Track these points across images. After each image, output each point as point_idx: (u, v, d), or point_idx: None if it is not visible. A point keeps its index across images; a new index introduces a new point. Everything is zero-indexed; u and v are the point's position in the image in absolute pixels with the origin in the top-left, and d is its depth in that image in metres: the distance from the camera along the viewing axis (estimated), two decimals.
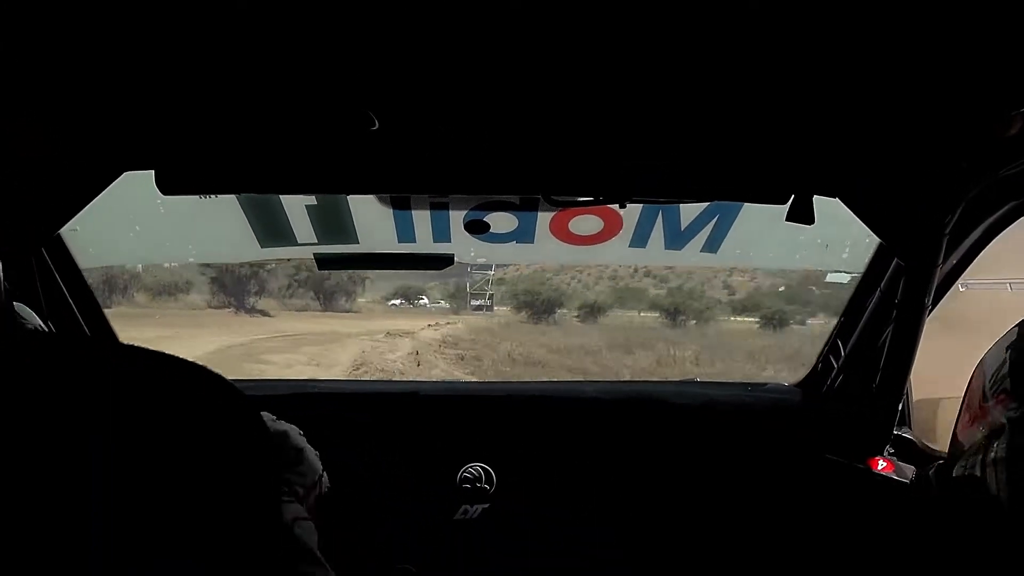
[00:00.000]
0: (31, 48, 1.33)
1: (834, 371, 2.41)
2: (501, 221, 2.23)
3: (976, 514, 1.29)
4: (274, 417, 1.52)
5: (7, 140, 1.66)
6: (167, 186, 1.86)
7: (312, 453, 1.54)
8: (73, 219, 1.95)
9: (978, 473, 1.27)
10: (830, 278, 2.48)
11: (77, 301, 2.18)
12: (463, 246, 2.32)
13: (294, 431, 1.55)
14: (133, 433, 0.71)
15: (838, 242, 2.31)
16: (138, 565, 0.69)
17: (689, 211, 2.24)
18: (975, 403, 1.28)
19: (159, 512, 0.71)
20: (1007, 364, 1.22)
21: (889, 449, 2.18)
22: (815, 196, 1.93)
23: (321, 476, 1.52)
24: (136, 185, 1.90)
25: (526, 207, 2.17)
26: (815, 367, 2.52)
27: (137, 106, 1.62)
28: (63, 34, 1.29)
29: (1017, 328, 1.25)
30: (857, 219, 1.96)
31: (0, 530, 0.66)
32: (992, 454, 1.23)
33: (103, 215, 2.02)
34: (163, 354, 0.79)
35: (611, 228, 2.29)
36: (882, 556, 1.79)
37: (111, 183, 1.89)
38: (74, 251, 2.15)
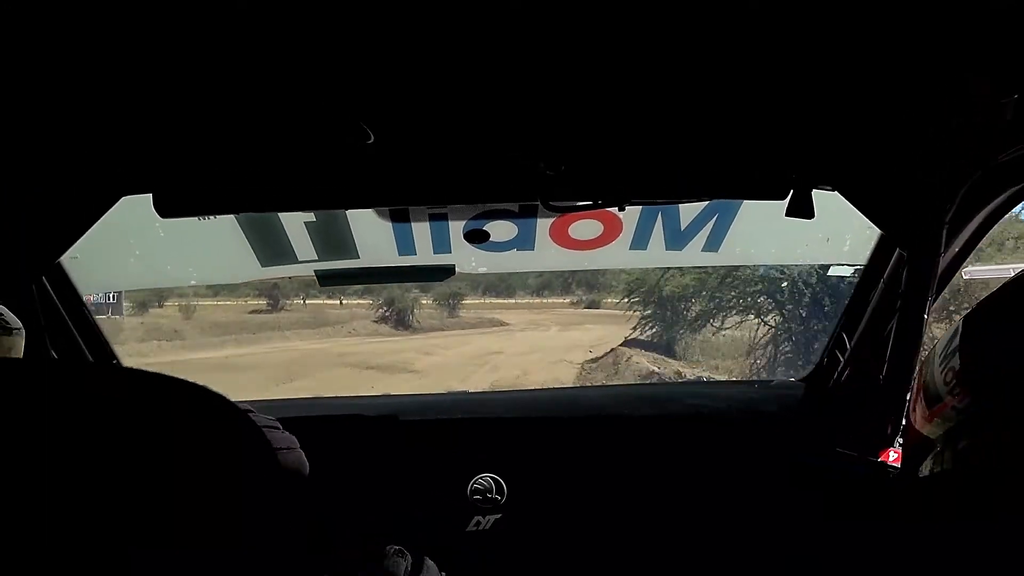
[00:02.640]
0: (25, 78, 1.33)
1: (840, 364, 2.40)
2: (501, 229, 2.23)
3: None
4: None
5: (5, 171, 1.67)
6: (165, 209, 1.86)
7: None
8: (72, 246, 1.96)
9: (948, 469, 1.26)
10: (832, 271, 2.47)
11: (79, 328, 2.18)
12: (464, 256, 2.32)
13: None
14: (104, 450, 0.72)
15: (839, 235, 2.31)
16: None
17: (688, 211, 2.24)
18: (930, 394, 1.27)
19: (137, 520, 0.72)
20: (957, 355, 1.21)
21: (899, 440, 2.17)
22: (814, 190, 1.93)
23: None
24: (134, 209, 1.90)
25: (525, 214, 2.17)
26: (821, 361, 2.51)
27: (132, 130, 1.63)
28: (55, 62, 1.29)
29: (962, 320, 1.25)
30: (857, 211, 1.96)
31: None
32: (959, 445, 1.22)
33: (102, 241, 2.02)
34: (153, 375, 0.80)
35: (611, 232, 2.29)
36: (899, 547, 1.78)
37: (109, 208, 1.89)
38: (75, 278, 2.15)
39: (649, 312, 15.37)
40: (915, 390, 1.27)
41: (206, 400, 0.80)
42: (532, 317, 14.71)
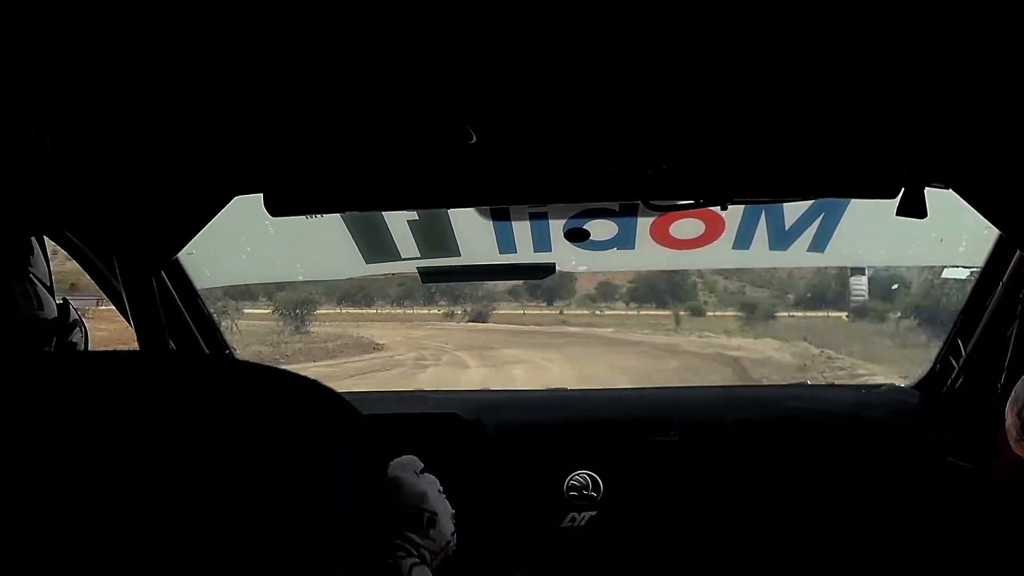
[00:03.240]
0: (140, 85, 1.40)
1: (955, 371, 2.30)
2: (601, 228, 2.22)
3: None
4: (420, 468, 1.44)
5: (124, 174, 1.76)
6: (275, 208, 1.93)
7: (448, 514, 1.43)
8: (189, 243, 2.05)
9: None
10: (947, 274, 2.38)
11: (196, 321, 2.28)
12: (564, 255, 2.32)
13: (434, 490, 1.43)
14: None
15: (954, 236, 2.22)
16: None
17: (793, 210, 2.19)
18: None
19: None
20: None
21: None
22: (927, 188, 1.85)
23: (451, 540, 1.41)
24: (246, 208, 1.98)
25: (625, 213, 2.15)
26: (933, 367, 2.41)
27: (244, 133, 1.69)
28: (171, 66, 1.35)
29: None
30: (973, 210, 1.87)
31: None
32: None
33: (217, 238, 2.11)
34: (270, 369, 0.81)
35: (713, 231, 2.25)
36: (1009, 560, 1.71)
37: (223, 207, 1.97)
38: (191, 273, 2.25)
39: None
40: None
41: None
42: (412, 333, 12.42)
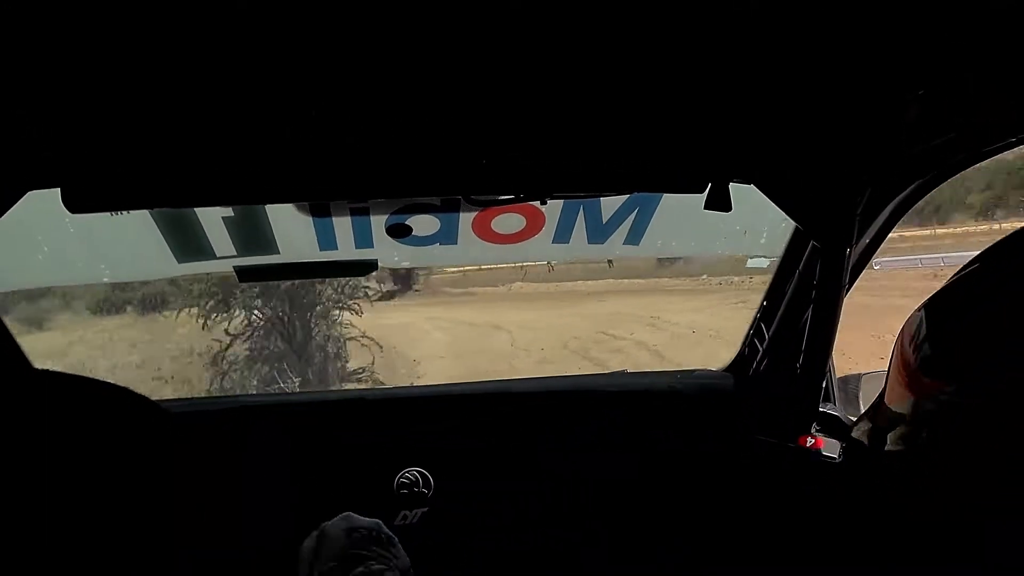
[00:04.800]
0: None
1: (759, 354, 2.45)
2: (423, 224, 2.21)
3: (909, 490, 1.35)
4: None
5: None
6: (74, 204, 1.79)
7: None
8: None
9: (911, 448, 1.32)
10: (750, 263, 2.52)
11: None
12: (386, 250, 2.29)
13: (380, 523, 1.61)
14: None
15: (756, 228, 2.36)
16: None
17: (610, 204, 2.26)
18: (901, 372, 1.32)
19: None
20: (924, 331, 1.27)
21: (816, 426, 2.23)
22: (731, 183, 1.96)
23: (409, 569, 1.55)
24: (41, 204, 1.83)
25: (447, 208, 2.16)
26: (742, 351, 2.57)
27: (38, 122, 1.56)
28: None
29: (929, 299, 1.30)
30: (773, 204, 2.00)
31: None
32: (924, 433, 1.28)
33: (7, 237, 1.95)
34: (68, 376, 0.77)
35: (534, 225, 2.29)
36: (818, 532, 1.83)
37: (15, 203, 1.81)
38: None
39: None
40: (892, 367, 1.33)
41: (129, 401, 0.79)
42: None
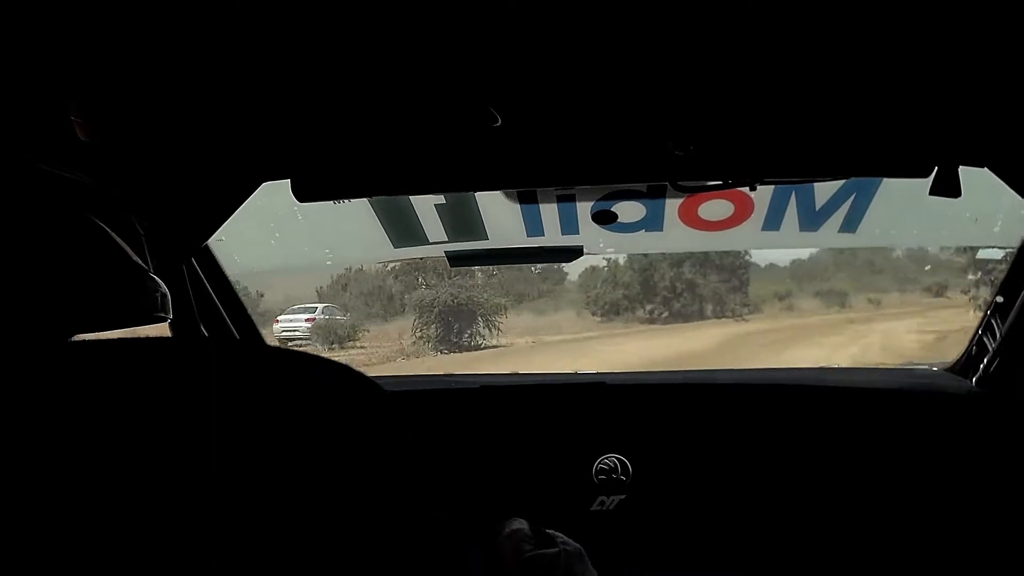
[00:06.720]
0: (166, 74, 1.41)
1: (989, 353, 2.27)
2: (629, 210, 2.21)
3: None
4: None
5: (155, 161, 1.78)
6: (303, 194, 1.95)
7: None
8: (219, 230, 2.08)
9: None
10: (981, 254, 2.34)
11: (227, 307, 2.30)
12: (592, 237, 2.31)
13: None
14: (245, 433, 0.70)
15: (989, 215, 2.18)
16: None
17: (824, 190, 2.16)
18: None
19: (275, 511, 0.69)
20: None
21: None
22: (961, 167, 1.83)
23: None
24: (274, 194, 2.00)
25: (654, 195, 2.14)
26: (969, 350, 2.37)
27: (271, 120, 1.71)
28: (196, 59, 1.36)
29: None
30: (1010, 189, 1.84)
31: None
32: None
33: (246, 224, 2.14)
34: (298, 354, 0.79)
35: (742, 212, 2.23)
36: None
37: (251, 194, 1.99)
38: (221, 260, 2.27)
39: None
40: None
41: (355, 380, 0.78)
42: None
